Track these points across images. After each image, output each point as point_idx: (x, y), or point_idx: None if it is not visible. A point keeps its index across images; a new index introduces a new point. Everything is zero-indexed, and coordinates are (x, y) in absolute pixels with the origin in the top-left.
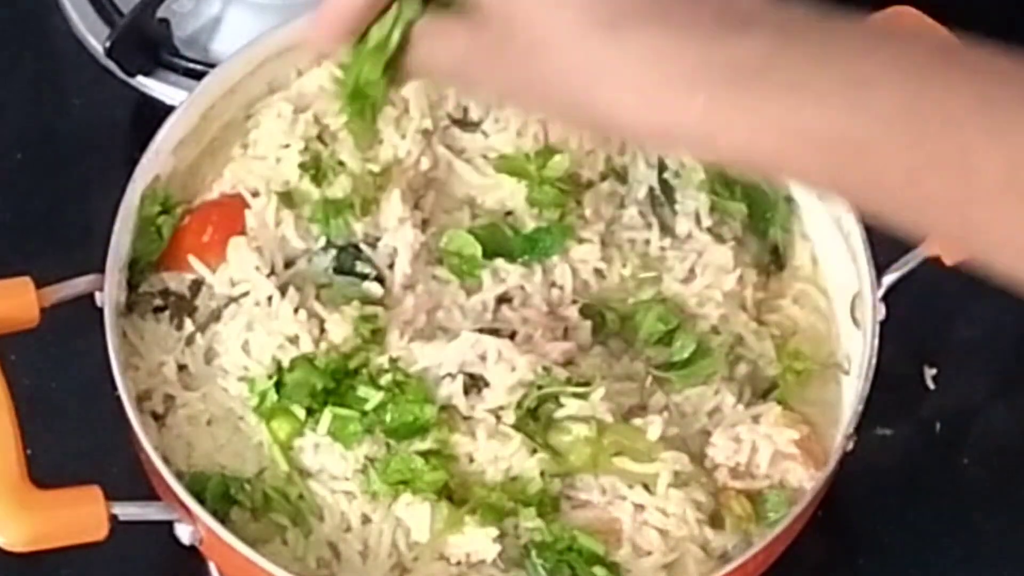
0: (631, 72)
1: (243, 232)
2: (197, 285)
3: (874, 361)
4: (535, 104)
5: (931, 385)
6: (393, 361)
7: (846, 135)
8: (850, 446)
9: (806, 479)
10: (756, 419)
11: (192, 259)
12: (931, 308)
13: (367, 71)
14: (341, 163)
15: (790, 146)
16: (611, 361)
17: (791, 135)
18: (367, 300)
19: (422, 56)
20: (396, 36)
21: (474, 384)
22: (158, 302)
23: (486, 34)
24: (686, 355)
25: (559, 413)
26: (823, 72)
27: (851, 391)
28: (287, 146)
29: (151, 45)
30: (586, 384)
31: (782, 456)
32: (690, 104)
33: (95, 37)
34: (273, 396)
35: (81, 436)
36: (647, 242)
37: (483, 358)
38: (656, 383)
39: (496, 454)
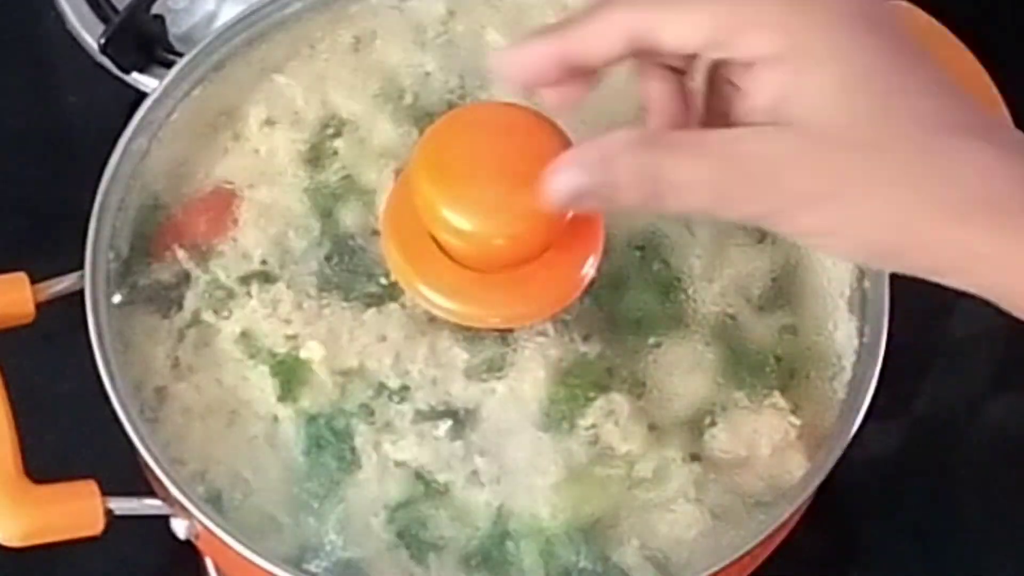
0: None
1: (237, 225)
2: (190, 278)
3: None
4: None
5: (930, 384)
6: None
7: None
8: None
9: (804, 475)
10: (756, 414)
11: (185, 252)
12: (931, 306)
13: None
14: (337, 154)
15: None
16: (611, 357)
17: None
18: (366, 296)
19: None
20: None
21: None
22: (150, 295)
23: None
24: (691, 354)
25: None
26: None
27: (851, 388)
28: (283, 138)
29: (146, 42)
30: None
31: (781, 452)
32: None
33: (90, 34)
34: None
35: (77, 431)
36: None
37: None
38: (657, 378)
39: None
